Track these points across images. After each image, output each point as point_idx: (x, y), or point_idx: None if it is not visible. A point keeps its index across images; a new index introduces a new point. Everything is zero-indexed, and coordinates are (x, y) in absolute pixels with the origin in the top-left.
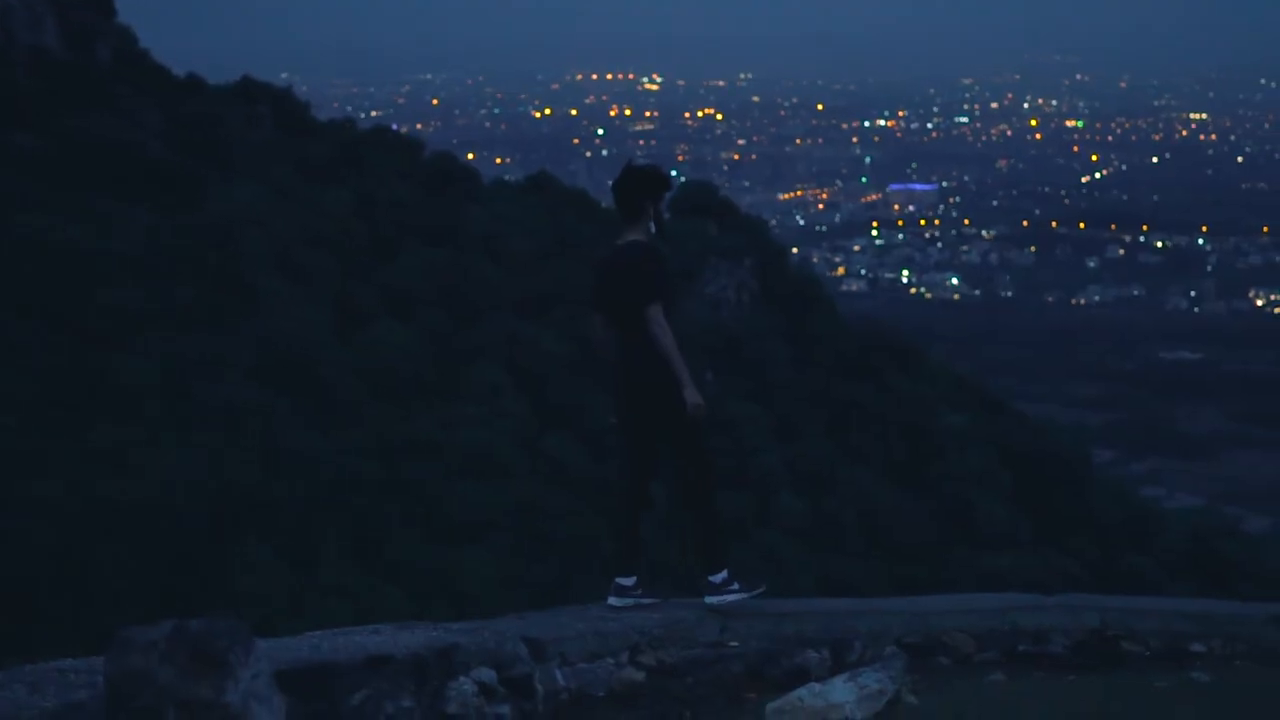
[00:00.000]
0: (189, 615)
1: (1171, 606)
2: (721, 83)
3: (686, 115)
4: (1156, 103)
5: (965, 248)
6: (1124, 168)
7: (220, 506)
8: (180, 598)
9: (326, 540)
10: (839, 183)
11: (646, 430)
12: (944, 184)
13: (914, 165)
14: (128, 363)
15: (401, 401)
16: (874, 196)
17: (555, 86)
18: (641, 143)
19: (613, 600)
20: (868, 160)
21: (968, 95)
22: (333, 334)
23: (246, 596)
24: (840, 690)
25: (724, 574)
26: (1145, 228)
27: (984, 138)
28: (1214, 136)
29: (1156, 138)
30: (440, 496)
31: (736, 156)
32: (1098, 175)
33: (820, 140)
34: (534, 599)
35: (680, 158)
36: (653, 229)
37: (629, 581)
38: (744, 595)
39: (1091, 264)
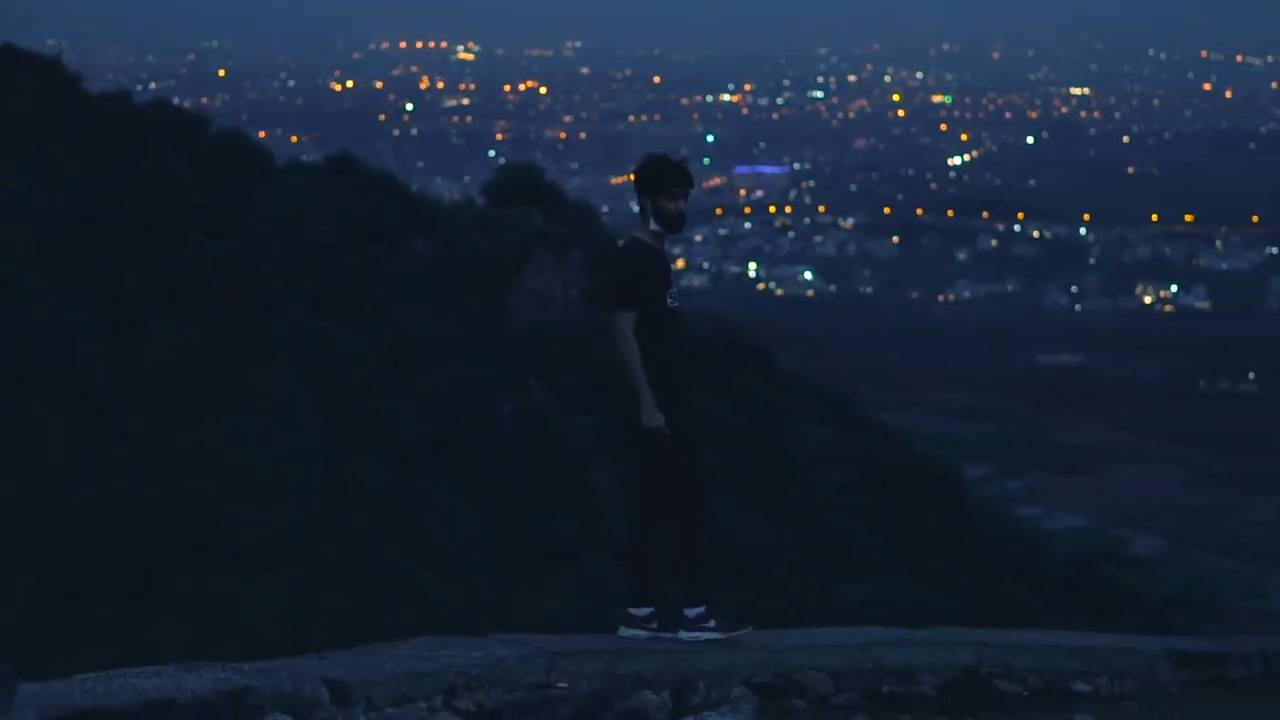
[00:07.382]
0: None
1: (1052, 640)
2: (547, 52)
3: (507, 88)
4: (1032, 76)
5: (820, 238)
6: (996, 149)
7: None
8: None
9: (95, 569)
10: None
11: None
12: (796, 166)
13: (762, 145)
14: None
15: (179, 412)
16: (718, 180)
17: (357, 55)
18: (456, 119)
19: (622, 631)
20: (710, 139)
21: (823, 67)
22: (101, 335)
23: (4, 633)
24: None
25: (701, 609)
26: (1021, 216)
27: (841, 115)
28: (1097, 114)
29: (1033, 115)
30: (222, 521)
31: (563, 135)
32: (968, 157)
33: (658, 117)
34: (334, 634)
35: (499, 136)
36: (653, 226)
37: (642, 613)
38: (718, 636)
39: (961, 256)
